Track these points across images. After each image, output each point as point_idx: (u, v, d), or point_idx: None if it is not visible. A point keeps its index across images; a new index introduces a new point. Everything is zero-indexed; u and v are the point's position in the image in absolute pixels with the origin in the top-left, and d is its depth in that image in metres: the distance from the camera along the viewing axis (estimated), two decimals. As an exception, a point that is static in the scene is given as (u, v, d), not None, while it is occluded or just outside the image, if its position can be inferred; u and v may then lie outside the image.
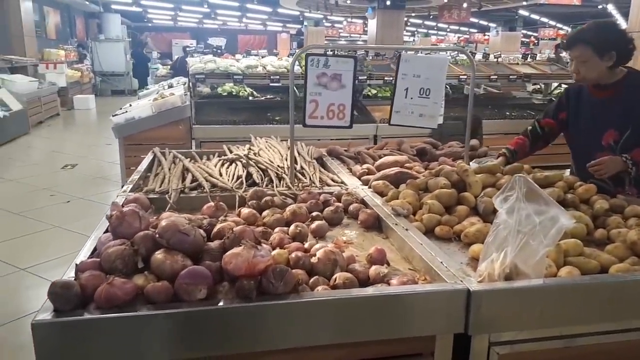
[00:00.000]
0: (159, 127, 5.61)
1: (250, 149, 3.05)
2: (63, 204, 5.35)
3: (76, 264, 1.37)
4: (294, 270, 1.43)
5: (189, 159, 2.92)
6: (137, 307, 1.25)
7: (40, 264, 3.75)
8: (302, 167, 2.67)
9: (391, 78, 6.11)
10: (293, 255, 1.50)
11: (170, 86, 8.04)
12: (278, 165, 2.60)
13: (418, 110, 2.39)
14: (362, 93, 6.80)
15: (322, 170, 2.78)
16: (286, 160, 2.70)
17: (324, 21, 23.10)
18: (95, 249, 1.55)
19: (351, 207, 2.14)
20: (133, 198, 2.10)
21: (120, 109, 6.12)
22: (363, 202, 2.20)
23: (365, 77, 6.07)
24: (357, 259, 1.68)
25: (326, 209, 2.08)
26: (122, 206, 2.07)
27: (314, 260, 1.51)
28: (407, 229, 1.84)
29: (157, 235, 1.39)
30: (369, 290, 1.39)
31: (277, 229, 1.85)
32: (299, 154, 2.95)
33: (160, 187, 2.39)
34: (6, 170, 6.84)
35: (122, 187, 2.42)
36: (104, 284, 1.24)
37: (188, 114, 5.68)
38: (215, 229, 1.63)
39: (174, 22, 25.84)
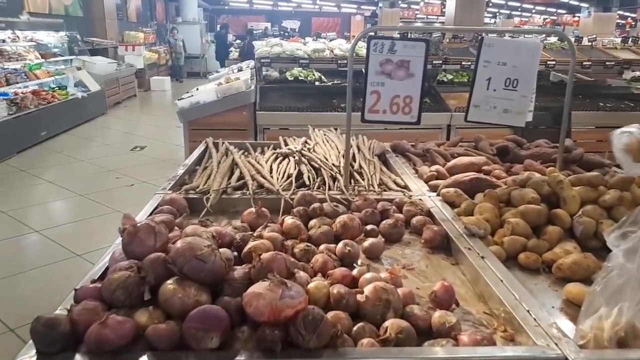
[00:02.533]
0: (223, 112, 5.48)
1: (306, 142, 2.77)
2: (127, 188, 5.37)
3: (75, 290, 1.15)
4: (334, 313, 1.14)
5: (242, 151, 2.69)
6: (133, 355, 1.01)
7: (96, 251, 3.72)
8: (360, 166, 2.35)
9: (469, 63, 5.59)
10: (335, 291, 1.20)
11: (240, 70, 7.92)
12: (333, 164, 2.30)
13: (502, 105, 1.99)
14: (437, 79, 6.31)
15: (384, 169, 2.45)
16: (343, 157, 2.39)
17: (399, 2, 22.26)
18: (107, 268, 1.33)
19: (414, 221, 1.80)
20: (169, 199, 1.89)
21: (187, 92, 6.06)
22: (429, 215, 1.85)
23: (441, 62, 5.60)
24: (417, 295, 1.36)
25: (384, 221, 1.76)
26: (157, 207, 1.87)
27: (360, 298, 1.20)
28: (483, 257, 1.48)
29: (170, 261, 1.14)
30: (430, 352, 1.06)
31: (322, 246, 1.56)
32: (358, 149, 2.63)
33: (205, 184, 2.17)
34: (80, 150, 7.04)
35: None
36: (97, 322, 1.01)
37: (252, 99, 5.50)
38: (246, 248, 1.36)
39: (250, 4, 26.00)
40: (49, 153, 6.75)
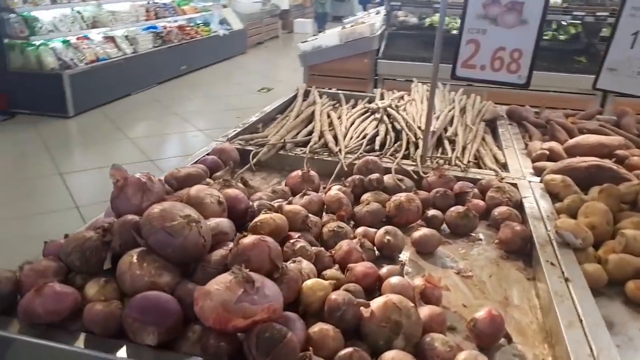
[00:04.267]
0: (344, 58, 5.19)
1: (401, 98, 2.41)
2: (243, 128, 5.45)
3: (45, 243, 1.03)
4: (319, 328, 0.87)
5: (334, 102, 2.43)
6: (63, 334, 0.85)
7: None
8: (455, 133, 1.95)
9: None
10: (333, 297, 0.93)
11: (378, 13, 7.49)
12: (419, 127, 1.93)
13: (651, 71, 1.45)
14: (599, 35, 5.29)
15: (487, 140, 2.01)
16: (437, 119, 2.00)
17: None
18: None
19: (496, 212, 1.41)
20: (219, 148, 1.72)
21: (313, 35, 5.87)
22: (519, 207, 1.44)
23: (607, 14, 4.63)
24: (459, 315, 1.03)
25: (452, 208, 1.40)
26: (209, 154, 1.71)
27: (365, 313, 0.91)
28: (567, 279, 1.08)
29: (137, 229, 0.95)
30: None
31: (360, 230, 1.27)
32: (463, 111, 2.21)
33: (276, 134, 1.97)
34: (213, 87, 7.32)
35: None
36: (33, 290, 0.86)
37: (376, 46, 5.12)
38: (252, 222, 1.13)
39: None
40: (185, 87, 7.13)
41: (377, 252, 1.24)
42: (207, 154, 1.70)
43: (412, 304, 0.91)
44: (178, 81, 7.36)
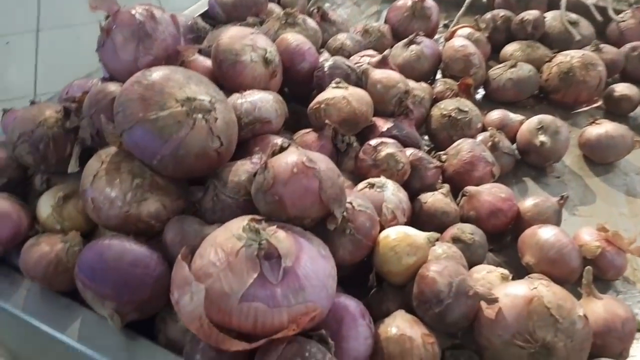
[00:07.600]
0: None
1: None
2: None
3: (2, 113, 0.69)
4: (402, 336, 0.49)
5: None
6: None
7: None
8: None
9: None
10: (432, 272, 0.51)
11: None
12: None
13: None
14: None
15: None
16: None
17: None
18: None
19: None
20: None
21: None
22: None
23: None
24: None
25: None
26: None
27: (486, 311, 0.50)
28: None
29: (111, 113, 0.56)
30: None
31: (494, 115, 0.79)
32: None
33: None
34: None
35: None
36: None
37: None
38: (316, 102, 0.69)
39: None
40: None
41: (518, 154, 0.77)
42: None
43: (579, 312, 0.48)
44: None
